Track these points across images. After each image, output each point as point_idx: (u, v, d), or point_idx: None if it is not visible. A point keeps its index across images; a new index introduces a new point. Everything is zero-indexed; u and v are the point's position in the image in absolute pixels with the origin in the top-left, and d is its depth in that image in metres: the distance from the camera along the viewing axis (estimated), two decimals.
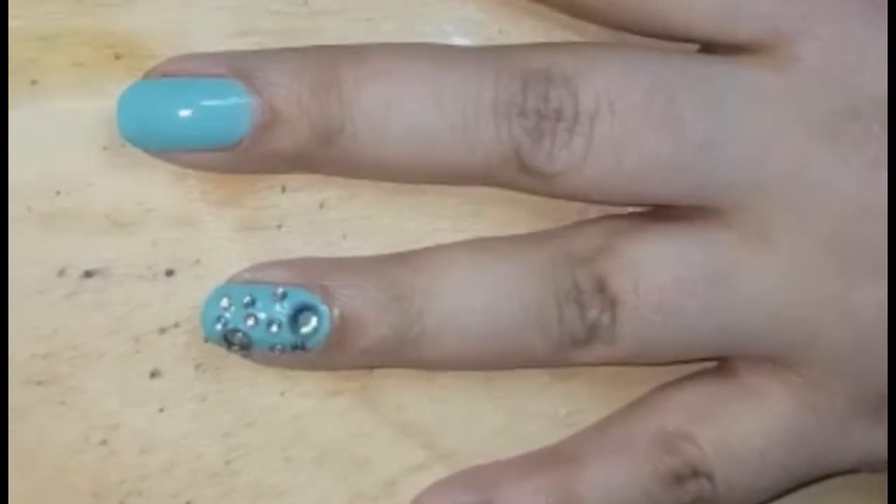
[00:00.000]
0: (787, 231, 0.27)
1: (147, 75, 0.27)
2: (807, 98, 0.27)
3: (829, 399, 0.28)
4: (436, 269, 0.27)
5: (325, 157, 0.27)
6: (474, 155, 0.27)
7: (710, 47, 0.28)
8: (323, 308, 0.27)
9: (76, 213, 0.27)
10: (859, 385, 0.28)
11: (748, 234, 0.27)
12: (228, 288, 0.27)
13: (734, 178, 0.27)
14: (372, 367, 0.29)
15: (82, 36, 0.27)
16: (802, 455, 0.29)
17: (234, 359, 0.28)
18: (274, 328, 0.27)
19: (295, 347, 0.27)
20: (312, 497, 0.29)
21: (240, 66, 0.26)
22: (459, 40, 0.28)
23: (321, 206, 0.28)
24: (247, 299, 0.27)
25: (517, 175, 0.27)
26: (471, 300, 0.27)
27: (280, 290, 0.27)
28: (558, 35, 0.28)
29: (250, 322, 0.27)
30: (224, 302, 0.27)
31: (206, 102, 0.26)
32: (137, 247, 0.27)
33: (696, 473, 0.28)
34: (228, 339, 0.27)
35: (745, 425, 0.28)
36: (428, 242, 0.28)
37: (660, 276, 0.27)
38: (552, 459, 0.29)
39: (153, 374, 0.28)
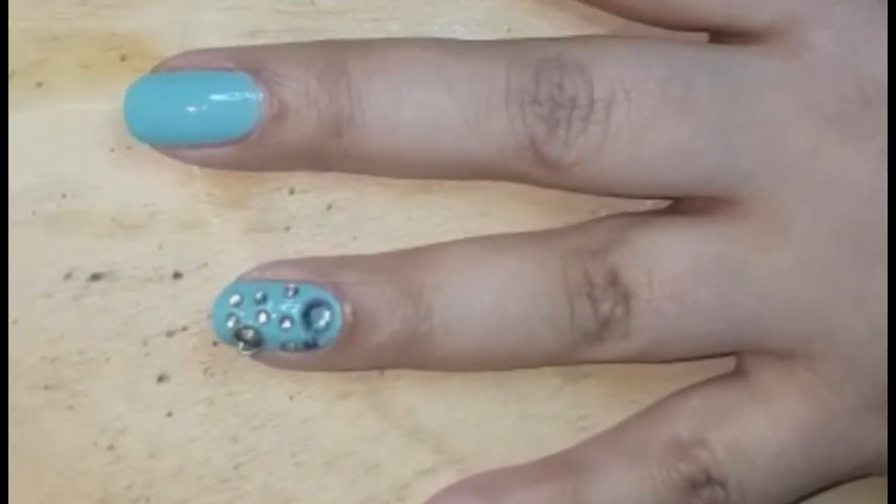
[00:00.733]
0: (801, 220, 0.27)
1: (154, 70, 0.27)
2: (819, 86, 0.27)
3: (842, 397, 0.28)
4: (445, 264, 0.27)
5: (334, 149, 0.26)
6: (487, 146, 0.26)
7: (719, 37, 0.28)
8: (335, 304, 0.26)
9: (82, 215, 0.27)
10: (872, 378, 0.28)
11: (763, 224, 0.27)
12: (238, 286, 0.27)
13: (750, 166, 0.27)
14: (382, 370, 0.28)
15: (88, 38, 0.27)
16: (817, 458, 0.28)
17: (243, 362, 0.28)
18: (287, 324, 0.26)
19: (307, 344, 0.26)
20: (322, 502, 0.29)
21: (247, 60, 0.26)
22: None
23: (329, 207, 0.28)
24: (258, 296, 0.27)
25: (531, 167, 0.27)
26: (481, 295, 0.27)
27: (292, 287, 0.27)
28: (568, 34, 0.28)
29: (262, 318, 0.26)
30: (234, 298, 0.27)
31: (213, 96, 0.26)
32: (144, 249, 0.27)
33: (709, 479, 0.28)
34: (239, 337, 0.27)
35: (758, 429, 0.28)
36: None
37: (674, 267, 0.27)
38: (564, 466, 0.29)
39: (161, 378, 0.28)
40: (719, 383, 0.29)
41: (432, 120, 0.26)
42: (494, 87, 0.26)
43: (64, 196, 0.27)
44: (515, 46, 0.27)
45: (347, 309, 0.26)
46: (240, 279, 0.27)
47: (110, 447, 0.28)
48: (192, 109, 0.26)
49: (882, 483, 0.30)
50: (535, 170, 0.27)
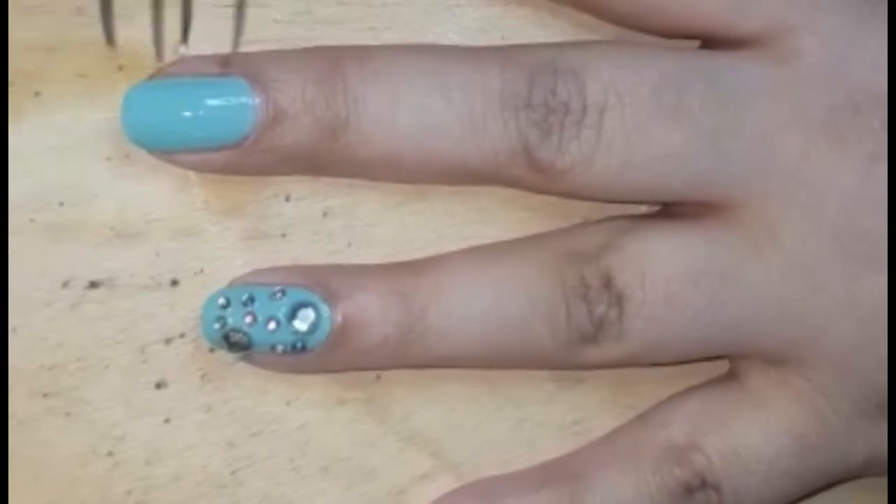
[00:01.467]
0: (791, 225, 0.27)
1: (151, 76, 0.27)
2: (808, 92, 0.27)
3: (834, 402, 0.28)
4: (440, 269, 0.27)
5: (331, 154, 0.26)
6: (482, 150, 0.26)
7: (711, 44, 0.28)
8: (323, 306, 0.27)
9: (80, 224, 0.27)
10: (864, 382, 0.28)
11: (754, 229, 0.27)
12: (227, 290, 0.27)
13: (741, 171, 0.27)
14: (379, 373, 0.28)
15: (85, 47, 0.27)
16: (810, 462, 0.28)
17: (240, 368, 0.28)
18: (272, 325, 0.26)
19: (295, 346, 0.27)
20: None
21: (243, 65, 0.26)
22: None
23: (325, 214, 0.28)
24: (245, 297, 0.27)
25: (525, 172, 0.27)
26: (477, 296, 0.27)
27: (279, 289, 0.27)
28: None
29: (248, 320, 0.27)
30: (221, 300, 0.27)
31: (210, 101, 0.26)
32: (141, 257, 0.27)
33: (704, 484, 0.28)
34: (228, 340, 0.27)
35: (752, 434, 0.28)
36: (432, 250, 0.28)
37: (665, 270, 0.27)
38: (561, 472, 0.29)
39: (159, 385, 0.28)
40: (714, 388, 0.29)
41: (428, 124, 0.26)
42: (489, 91, 0.26)
43: (62, 204, 0.27)
44: (510, 52, 0.27)
45: (338, 312, 0.27)
46: (230, 284, 0.27)
47: (109, 454, 0.28)
48: (188, 114, 0.26)
49: (879, 483, 0.30)
50: (529, 175, 0.27)
